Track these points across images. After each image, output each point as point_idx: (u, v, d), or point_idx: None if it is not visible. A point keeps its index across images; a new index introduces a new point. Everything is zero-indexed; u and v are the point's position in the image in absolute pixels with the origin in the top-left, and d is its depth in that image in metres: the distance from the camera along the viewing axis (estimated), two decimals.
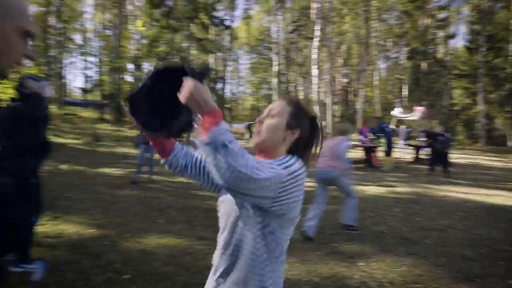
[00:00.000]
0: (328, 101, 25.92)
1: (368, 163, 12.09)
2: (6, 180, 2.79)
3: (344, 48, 39.33)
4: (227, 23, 20.86)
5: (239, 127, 27.47)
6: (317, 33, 22.57)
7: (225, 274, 1.17)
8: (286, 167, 1.08)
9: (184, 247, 4.02)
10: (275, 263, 1.15)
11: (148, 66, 19.22)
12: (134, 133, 9.42)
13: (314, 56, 22.90)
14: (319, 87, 23.71)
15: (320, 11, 22.73)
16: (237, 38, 46.86)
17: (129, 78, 26.19)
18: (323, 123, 14.19)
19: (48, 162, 9.09)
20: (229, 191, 0.99)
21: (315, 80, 23.29)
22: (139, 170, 7.51)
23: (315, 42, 22.73)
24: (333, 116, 27.15)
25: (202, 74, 0.99)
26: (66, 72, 48.45)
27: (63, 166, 8.84)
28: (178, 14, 16.34)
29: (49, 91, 3.17)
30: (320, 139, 1.30)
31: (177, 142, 1.39)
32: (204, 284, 1.29)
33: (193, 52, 18.27)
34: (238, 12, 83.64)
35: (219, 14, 18.95)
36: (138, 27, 22.52)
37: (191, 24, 16.79)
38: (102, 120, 24.82)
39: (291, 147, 1.24)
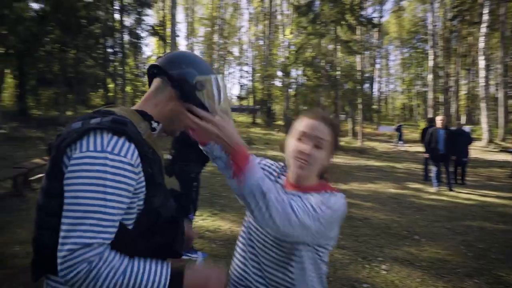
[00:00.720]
0: (500, 95, 21.81)
1: None
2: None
3: None
4: (375, 20, 19.95)
5: (386, 129, 25.77)
6: (485, 17, 19.29)
7: None
8: (331, 208, 1.08)
9: None
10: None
11: (295, 72, 20.18)
12: (281, 136, 10.00)
13: (481, 44, 19.64)
14: (487, 80, 20.19)
15: None
16: (387, 34, 44.15)
17: (278, 84, 27.85)
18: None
19: (210, 163, 10.54)
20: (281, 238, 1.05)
21: (482, 72, 19.95)
22: None
23: (483, 28, 19.48)
24: (507, 113, 22.67)
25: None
26: (226, 82, 54.97)
27: None
28: (324, 19, 16.52)
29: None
30: None
31: None
32: None
33: (339, 54, 18.14)
34: (388, 6, 78.54)
35: (367, 12, 18.30)
36: (286, 35, 23.81)
37: (337, 27, 16.75)
38: (255, 124, 27.15)
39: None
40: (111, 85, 18.74)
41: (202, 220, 5.21)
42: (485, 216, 6.07)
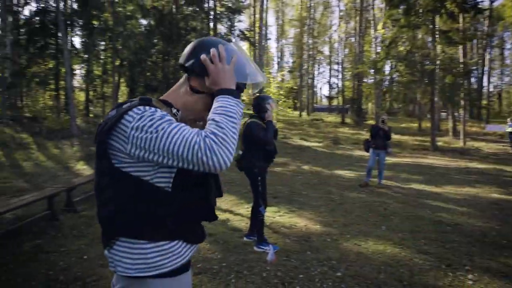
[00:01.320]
0: None
1: None
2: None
3: None
4: (483, 5, 17.69)
5: (496, 128, 22.45)
6: None
7: None
8: None
9: (402, 258, 3.87)
10: None
11: (388, 68, 18.98)
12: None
13: None
14: None
15: None
16: (502, 19, 38.63)
17: (369, 81, 26.64)
18: None
19: (293, 163, 10.66)
20: None
21: None
22: (369, 173, 7.66)
23: None
24: None
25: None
26: (316, 82, 54.57)
27: (305, 167, 10.14)
28: (419, 9, 15.28)
29: (275, 105, 3.97)
30: None
31: None
32: None
33: (438, 46, 16.54)
34: None
35: None
36: (378, 30, 22.62)
37: (435, 17, 15.33)
38: (343, 124, 26.41)
39: None
40: None
41: (279, 216, 5.36)
42: None
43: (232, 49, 1.25)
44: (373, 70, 18.70)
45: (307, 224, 5.00)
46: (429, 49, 16.39)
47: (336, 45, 45.83)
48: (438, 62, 15.98)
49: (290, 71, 48.39)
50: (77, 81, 24.97)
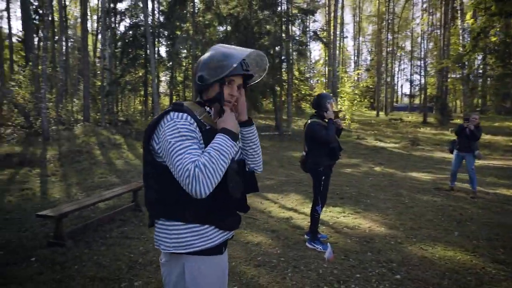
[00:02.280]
0: None
1: None
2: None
3: None
4: None
5: None
6: None
7: None
8: None
9: (472, 266, 3.63)
10: None
11: (474, 62, 17.14)
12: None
13: None
14: None
15: None
16: None
17: (455, 77, 24.41)
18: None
19: (365, 164, 10.36)
20: None
21: None
22: (453, 177, 7.11)
23: None
24: None
25: None
26: (396, 79, 51.61)
27: (377, 168, 9.80)
28: None
29: (335, 105, 4.02)
30: None
31: None
32: None
33: None
34: None
35: None
36: (467, 20, 20.62)
37: None
38: (425, 123, 24.60)
39: None
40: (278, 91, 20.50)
41: (343, 217, 5.35)
42: None
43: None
44: (459, 65, 17.08)
45: (371, 226, 4.92)
46: None
47: (419, 39, 42.87)
48: None
49: (367, 70, 46.53)
50: (162, 87, 27.28)
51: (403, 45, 49.48)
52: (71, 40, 33.88)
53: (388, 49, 38.82)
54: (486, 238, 4.45)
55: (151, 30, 17.43)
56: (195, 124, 1.34)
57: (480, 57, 19.01)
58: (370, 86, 37.44)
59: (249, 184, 1.55)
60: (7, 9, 27.64)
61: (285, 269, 3.54)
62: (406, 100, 54.48)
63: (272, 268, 3.56)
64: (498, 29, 15.72)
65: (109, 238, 4.39)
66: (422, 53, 37.69)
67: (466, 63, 17.76)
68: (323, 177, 3.96)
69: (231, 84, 1.45)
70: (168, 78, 24.32)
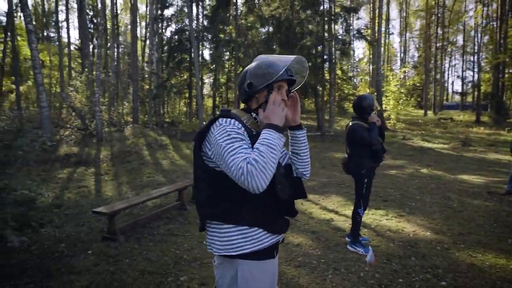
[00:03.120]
0: None
1: None
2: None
3: None
4: None
5: None
6: None
7: None
8: None
9: None
10: None
11: None
12: None
13: None
14: None
15: None
16: None
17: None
18: None
19: (411, 165, 9.99)
20: None
21: None
22: (511, 180, 6.65)
23: None
24: None
25: None
26: (446, 76, 48.91)
27: (424, 170, 9.40)
28: None
29: (375, 103, 3.96)
30: None
31: None
32: None
33: None
34: None
35: None
36: None
37: None
38: (478, 122, 23.10)
39: None
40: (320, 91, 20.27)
41: (386, 220, 5.24)
42: None
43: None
44: None
45: (415, 230, 4.78)
46: None
47: (472, 33, 40.30)
48: None
49: (414, 67, 44.56)
50: (206, 89, 28.04)
51: (455, 40, 46.80)
52: (122, 46, 35.86)
53: (437, 45, 36.92)
54: None
55: (195, 34, 18.00)
56: (243, 129, 1.42)
57: None
58: (417, 84, 35.83)
59: (296, 190, 1.60)
60: (67, 19, 29.89)
61: (325, 271, 3.56)
62: (457, 98, 51.46)
63: (312, 269, 3.60)
64: None
65: (156, 235, 4.65)
66: (476, 47, 35.38)
67: None
68: (366, 180, 3.91)
69: (280, 89, 1.53)
70: (211, 80, 24.96)
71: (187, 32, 19.75)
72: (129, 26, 33.08)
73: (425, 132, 19.65)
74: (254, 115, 1.56)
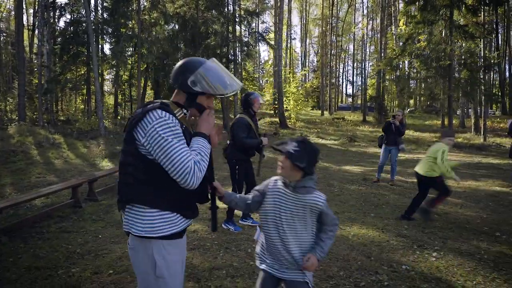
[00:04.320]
0: None
1: None
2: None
3: None
4: None
5: None
6: None
7: None
8: None
9: (378, 240, 4.24)
10: None
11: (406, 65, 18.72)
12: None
13: None
14: None
15: None
16: None
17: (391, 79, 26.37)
18: None
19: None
20: None
21: None
22: (380, 170, 7.84)
23: None
24: None
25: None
26: (341, 80, 54.15)
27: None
28: (436, 3, 15.16)
29: (261, 101, 4.45)
30: None
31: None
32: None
33: (457, 41, 16.29)
34: None
35: None
36: (400, 26, 22.45)
37: (453, 11, 15.17)
38: (364, 122, 26.31)
39: None
40: None
41: None
42: None
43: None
44: (389, 67, 18.61)
45: None
46: (445, 45, 16.15)
47: (361, 43, 45.45)
48: (455, 57, 15.79)
49: (314, 71, 48.40)
50: (107, 86, 26.42)
51: (347, 48, 52.17)
52: (3, 34, 31.57)
53: (332, 51, 40.74)
54: (395, 218, 5.14)
55: (93, 27, 16.90)
56: (179, 124, 1.54)
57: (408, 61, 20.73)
58: (315, 87, 39.02)
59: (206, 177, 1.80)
60: None
61: (217, 251, 3.89)
62: (350, 100, 57.43)
63: (205, 250, 3.89)
64: (425, 35, 17.32)
65: (46, 233, 4.44)
66: (363, 56, 40.09)
67: (401, 65, 19.31)
68: (237, 167, 4.46)
69: (210, 98, 1.73)
70: (113, 77, 23.60)
71: (84, 24, 18.38)
72: (12, 12, 29.24)
73: (320, 130, 21.65)
74: (185, 110, 1.69)
